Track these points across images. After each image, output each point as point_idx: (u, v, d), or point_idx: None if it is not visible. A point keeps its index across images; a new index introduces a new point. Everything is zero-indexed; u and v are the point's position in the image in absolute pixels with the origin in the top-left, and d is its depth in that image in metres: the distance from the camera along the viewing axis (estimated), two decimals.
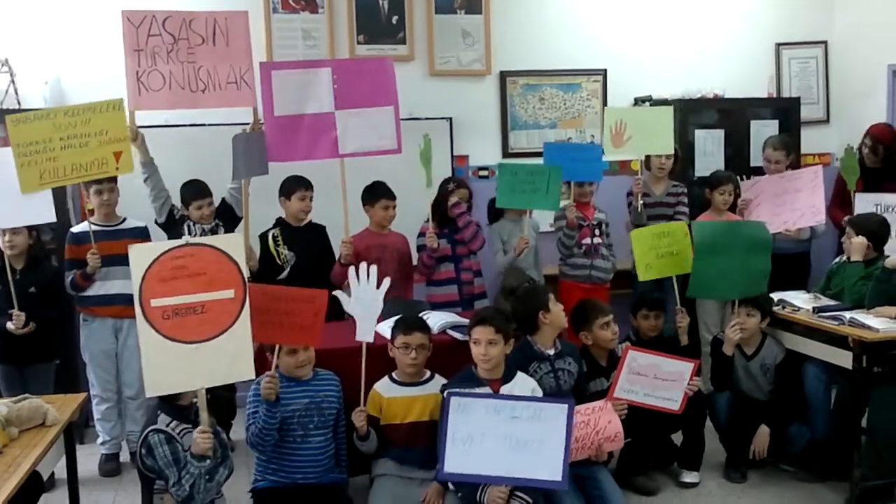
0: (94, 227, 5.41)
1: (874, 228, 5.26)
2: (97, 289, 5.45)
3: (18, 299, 5.20)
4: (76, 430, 4.86)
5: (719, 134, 7.28)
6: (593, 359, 5.04)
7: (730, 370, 5.20)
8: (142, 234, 5.52)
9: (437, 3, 7.03)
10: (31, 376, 5.40)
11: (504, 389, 4.29)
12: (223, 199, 5.81)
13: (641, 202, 6.10)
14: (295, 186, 5.69)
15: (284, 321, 4.06)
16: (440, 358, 4.62)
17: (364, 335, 4.40)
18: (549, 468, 3.75)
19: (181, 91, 5.46)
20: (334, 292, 4.59)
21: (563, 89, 7.39)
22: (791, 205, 6.02)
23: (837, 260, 5.55)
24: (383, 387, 4.53)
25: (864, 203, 5.93)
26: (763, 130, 7.20)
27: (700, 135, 7.21)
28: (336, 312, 5.40)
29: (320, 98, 5.47)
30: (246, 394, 4.37)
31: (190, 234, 5.54)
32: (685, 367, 4.69)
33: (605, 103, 7.38)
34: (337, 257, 5.63)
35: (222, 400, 5.15)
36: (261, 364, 4.09)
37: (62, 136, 5.03)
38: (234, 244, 3.85)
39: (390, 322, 4.58)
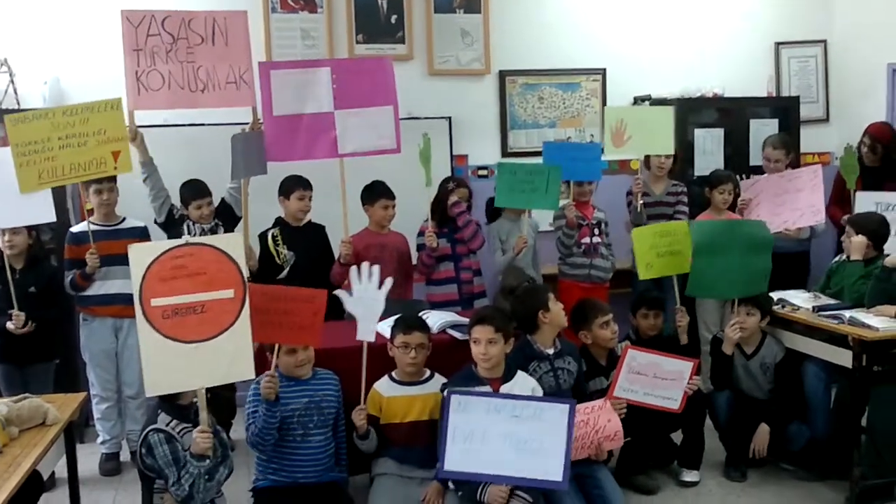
0: (93, 227, 5.41)
1: (874, 227, 5.25)
2: (97, 288, 5.45)
3: (18, 299, 5.20)
4: (76, 430, 4.85)
5: (719, 133, 7.28)
6: (593, 358, 5.04)
7: (729, 369, 5.20)
8: (141, 234, 5.52)
9: (436, 3, 7.03)
10: (31, 376, 5.40)
11: (504, 388, 4.29)
12: (222, 199, 5.81)
13: (641, 202, 6.11)
14: (294, 186, 5.70)
15: (284, 321, 4.06)
16: (440, 357, 4.62)
17: (365, 335, 4.39)
18: (549, 468, 3.76)
19: (180, 91, 5.46)
20: (335, 292, 4.58)
21: (563, 88, 7.39)
22: (791, 204, 6.02)
23: (837, 259, 5.55)
24: (383, 386, 4.53)
25: (865, 201, 5.92)
26: (763, 129, 7.20)
27: (699, 134, 7.20)
28: (336, 312, 5.42)
29: (319, 98, 5.47)
30: (246, 393, 4.37)
31: (189, 233, 5.54)
32: (685, 366, 4.69)
33: (604, 102, 7.38)
34: (336, 257, 5.63)
35: (222, 399, 5.16)
36: (260, 364, 4.09)
37: (61, 136, 5.03)
38: (234, 244, 3.86)
39: (390, 321, 4.58)
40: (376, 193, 5.70)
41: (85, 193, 5.48)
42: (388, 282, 4.46)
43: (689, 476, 5.16)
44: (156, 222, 5.70)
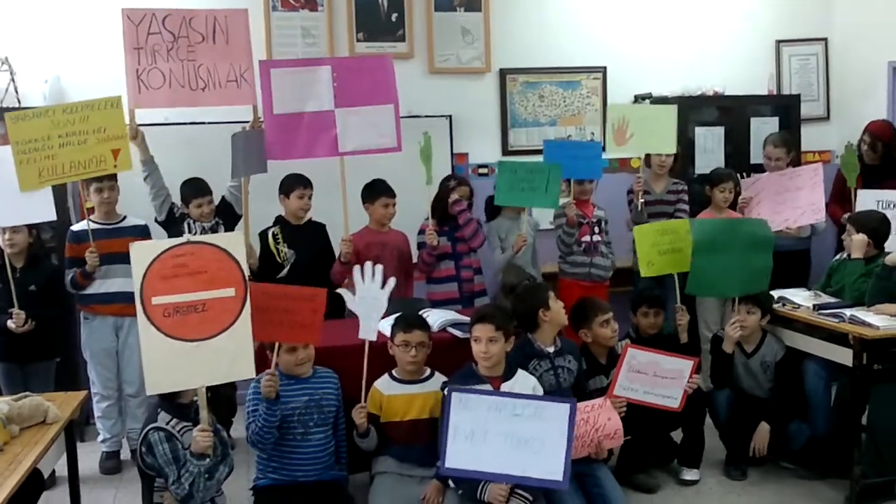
0: (93, 226, 5.41)
1: (874, 226, 5.25)
2: (98, 287, 5.45)
3: (18, 298, 5.20)
4: (77, 428, 4.85)
5: (719, 131, 7.27)
6: (593, 356, 5.04)
7: (730, 368, 5.20)
8: (142, 233, 5.52)
9: (437, 1, 7.03)
10: (32, 374, 5.41)
11: (505, 387, 4.29)
12: (223, 198, 5.82)
13: (642, 200, 6.10)
14: (294, 185, 5.70)
15: (284, 319, 4.06)
16: (440, 356, 4.62)
17: (367, 333, 4.39)
18: (550, 467, 3.75)
19: (181, 89, 5.46)
20: (338, 290, 4.59)
21: (563, 87, 7.39)
22: (792, 203, 6.02)
23: (838, 257, 5.55)
24: (383, 384, 4.53)
25: (866, 199, 5.91)
26: (763, 128, 7.20)
27: (700, 132, 7.20)
28: (336, 310, 5.42)
29: (320, 96, 5.47)
30: (246, 391, 4.37)
31: (190, 232, 5.56)
32: (685, 365, 4.69)
33: (605, 101, 7.38)
34: (337, 255, 5.63)
35: (222, 398, 5.14)
36: (261, 362, 4.09)
37: (61, 134, 5.03)
38: (235, 243, 3.86)
39: (390, 320, 4.58)
40: (377, 192, 5.70)
41: (85, 192, 5.48)
42: (392, 282, 4.46)
43: (690, 475, 5.17)
44: (156, 221, 5.70)
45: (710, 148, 7.23)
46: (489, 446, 3.80)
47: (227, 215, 5.79)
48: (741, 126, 7.30)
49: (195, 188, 5.67)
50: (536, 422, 3.79)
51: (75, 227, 5.56)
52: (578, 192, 6.09)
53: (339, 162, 5.53)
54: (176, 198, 5.73)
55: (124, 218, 5.61)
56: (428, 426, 4.44)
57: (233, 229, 5.73)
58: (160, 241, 4.00)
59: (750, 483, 5.16)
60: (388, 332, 4.55)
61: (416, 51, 7.04)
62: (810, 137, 7.61)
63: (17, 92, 6.16)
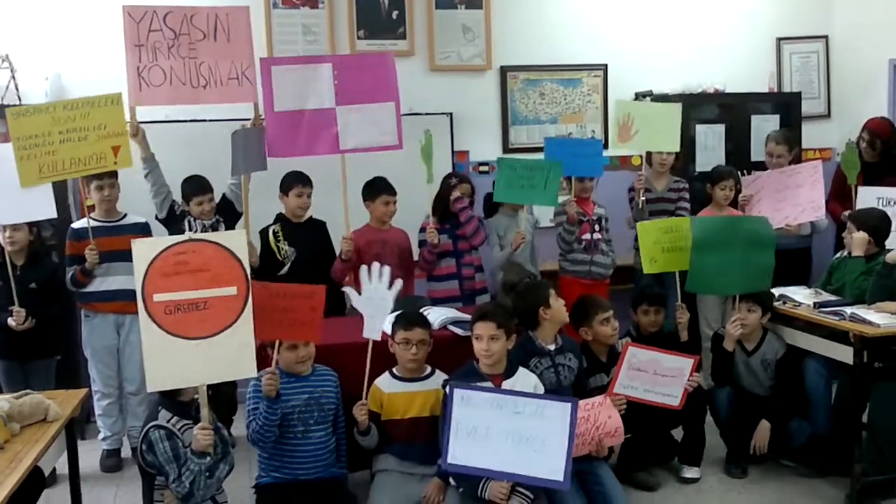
0: (95, 223, 5.41)
1: (875, 223, 5.25)
2: (98, 285, 5.45)
3: (19, 295, 5.19)
4: (77, 426, 4.86)
5: (720, 129, 7.26)
6: (593, 354, 5.03)
7: (730, 365, 5.20)
8: (143, 230, 5.52)
9: None
10: (33, 372, 5.39)
11: (506, 385, 4.29)
12: (224, 195, 5.81)
13: (643, 198, 6.10)
14: (293, 183, 5.70)
15: (284, 318, 4.08)
16: (441, 354, 4.63)
17: (371, 333, 4.40)
18: (551, 467, 3.75)
19: (182, 87, 5.45)
20: (343, 288, 4.59)
21: (564, 84, 7.38)
22: (792, 200, 6.02)
23: (839, 255, 5.55)
24: (384, 382, 4.53)
25: (867, 196, 5.92)
26: (764, 125, 7.20)
27: (701, 130, 7.19)
28: (336, 308, 5.43)
29: (321, 94, 5.46)
30: (247, 389, 4.37)
31: (190, 229, 5.57)
32: (685, 363, 4.69)
33: (605, 98, 7.39)
34: (338, 253, 5.63)
35: (223, 396, 5.12)
36: (261, 360, 4.08)
37: (61, 130, 5.01)
38: (238, 241, 3.85)
39: (391, 317, 4.58)
40: (377, 189, 5.70)
41: (86, 189, 5.49)
42: (398, 283, 4.47)
43: (690, 473, 5.17)
44: (157, 218, 5.70)
45: (710, 145, 7.22)
46: (490, 444, 3.80)
47: (228, 213, 5.79)
48: (742, 123, 7.29)
49: (196, 186, 5.66)
50: (537, 420, 3.78)
51: (76, 225, 5.56)
52: (579, 190, 6.08)
53: (340, 159, 5.52)
54: (177, 195, 5.72)
55: (125, 215, 5.61)
56: (429, 424, 4.45)
57: (233, 227, 5.73)
58: (162, 239, 3.99)
59: (750, 481, 5.16)
60: (388, 330, 4.55)
61: (417, 48, 7.04)
62: (811, 135, 7.61)
63: (17, 89, 6.16)
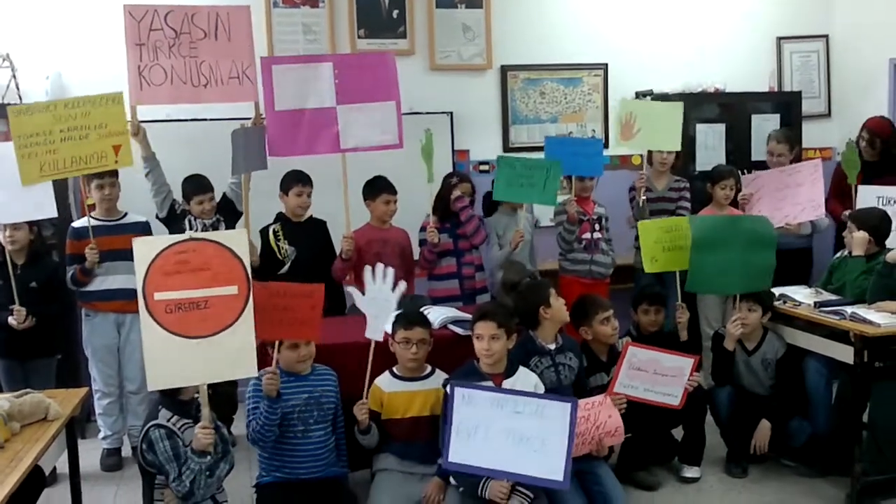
0: (95, 222, 5.41)
1: (875, 223, 5.25)
2: (99, 284, 5.45)
3: (19, 294, 5.19)
4: (78, 425, 4.86)
5: (720, 128, 7.27)
6: (593, 354, 5.03)
7: (731, 365, 5.20)
8: (143, 229, 5.52)
9: None
10: (33, 371, 5.39)
11: (506, 384, 4.29)
12: (224, 194, 5.81)
13: (644, 197, 6.09)
14: (292, 182, 5.71)
15: (283, 317, 4.08)
16: (441, 353, 4.63)
17: (374, 333, 4.41)
18: (550, 466, 3.74)
19: (183, 86, 5.45)
20: (348, 288, 4.59)
21: (564, 84, 7.39)
22: (792, 199, 6.03)
23: (839, 255, 5.55)
24: (384, 382, 4.53)
25: (866, 195, 5.92)
26: (764, 125, 7.21)
27: (701, 129, 7.20)
28: (336, 307, 5.44)
29: (321, 93, 5.46)
30: (247, 388, 4.37)
31: (191, 228, 5.57)
32: (685, 363, 4.69)
33: (606, 98, 7.40)
34: (338, 252, 5.63)
35: (223, 395, 5.13)
36: (261, 359, 4.08)
37: (62, 129, 5.01)
38: (239, 240, 3.85)
39: (391, 317, 4.58)
40: (378, 188, 5.70)
41: (86, 188, 5.49)
42: (402, 285, 4.48)
43: (690, 472, 5.16)
44: (157, 217, 5.70)
45: (711, 145, 7.22)
46: (491, 443, 3.80)
47: (228, 212, 5.79)
48: (742, 123, 7.30)
49: (196, 185, 5.66)
50: (537, 420, 3.78)
51: (76, 224, 5.56)
52: (579, 189, 6.08)
53: (341, 159, 5.52)
54: (177, 194, 5.72)
55: (125, 214, 5.61)
56: (429, 423, 4.45)
57: (234, 226, 5.73)
58: (163, 237, 4.00)
59: (751, 481, 5.16)
60: (388, 329, 4.55)
61: (418, 47, 7.05)
62: (811, 134, 7.61)
63: (18, 88, 6.17)
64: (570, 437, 3.76)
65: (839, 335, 4.78)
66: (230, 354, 3.75)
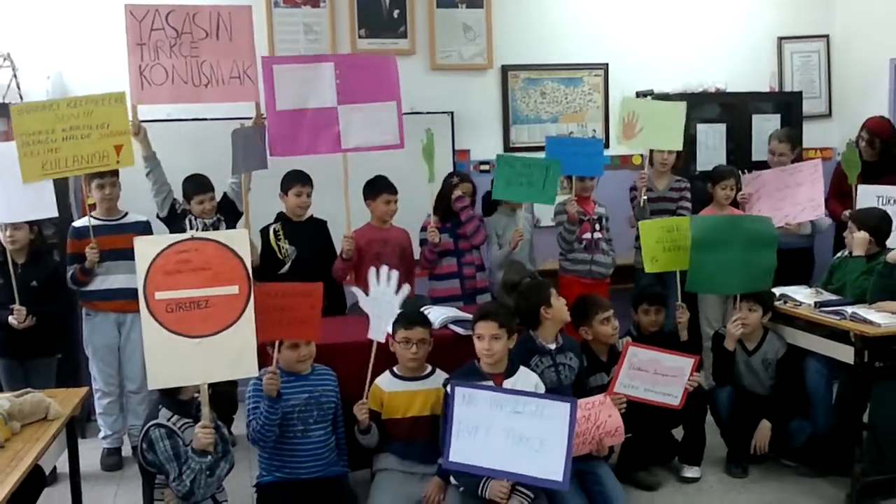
0: (96, 222, 5.42)
1: (876, 223, 5.25)
2: (100, 283, 5.45)
3: (20, 294, 5.19)
4: (78, 425, 4.86)
5: (721, 128, 7.26)
6: (593, 353, 5.03)
7: (731, 365, 5.20)
8: (144, 229, 5.51)
9: None
10: (33, 370, 5.39)
11: (507, 384, 4.29)
12: (224, 194, 5.81)
13: (645, 197, 6.09)
14: (292, 182, 5.71)
15: (283, 317, 4.08)
16: (441, 353, 4.63)
17: (376, 334, 4.41)
18: (550, 467, 3.74)
19: (184, 85, 5.46)
20: (352, 288, 4.60)
21: (565, 83, 7.39)
22: (791, 199, 6.04)
23: (839, 255, 5.55)
24: (385, 381, 4.53)
25: (866, 195, 5.92)
26: (765, 125, 7.21)
27: (702, 129, 7.19)
28: (337, 308, 5.44)
29: (323, 93, 5.46)
30: (247, 388, 4.37)
31: (191, 228, 5.57)
32: (685, 363, 4.69)
33: (606, 98, 7.40)
34: (338, 252, 5.63)
35: (223, 394, 5.14)
36: (261, 359, 4.08)
37: (64, 128, 5.02)
38: (240, 240, 3.86)
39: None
40: (378, 188, 5.69)
41: (87, 188, 5.49)
42: (406, 288, 4.49)
43: (690, 472, 5.16)
44: (158, 217, 5.70)
45: (711, 145, 7.22)
46: (491, 443, 3.80)
47: (229, 212, 5.79)
48: (743, 123, 7.29)
49: (197, 184, 5.67)
50: (537, 419, 3.78)
51: (77, 224, 5.57)
52: (580, 189, 6.08)
53: (342, 159, 5.52)
54: (178, 194, 5.72)
55: (126, 214, 5.61)
56: (429, 423, 4.45)
57: (234, 226, 5.74)
58: (164, 237, 4.01)
59: (751, 480, 5.16)
60: (389, 329, 4.55)
61: (418, 47, 7.05)
62: (812, 134, 7.61)
63: (19, 88, 6.17)
64: (570, 437, 3.75)
65: (839, 335, 4.78)
66: (231, 354, 3.75)
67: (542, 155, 5.95)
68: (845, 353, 4.73)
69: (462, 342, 4.62)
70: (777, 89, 7.70)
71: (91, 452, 5.55)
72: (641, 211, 6.05)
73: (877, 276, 4.94)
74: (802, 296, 5.26)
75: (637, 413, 4.67)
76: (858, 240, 5.19)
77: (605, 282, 6.14)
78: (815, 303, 5.05)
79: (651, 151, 6.29)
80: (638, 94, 7.28)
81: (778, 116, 7.36)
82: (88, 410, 5.98)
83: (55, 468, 4.63)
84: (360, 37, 6.89)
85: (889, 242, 5.23)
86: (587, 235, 6.03)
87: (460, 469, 3.96)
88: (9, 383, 5.32)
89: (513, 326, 4.39)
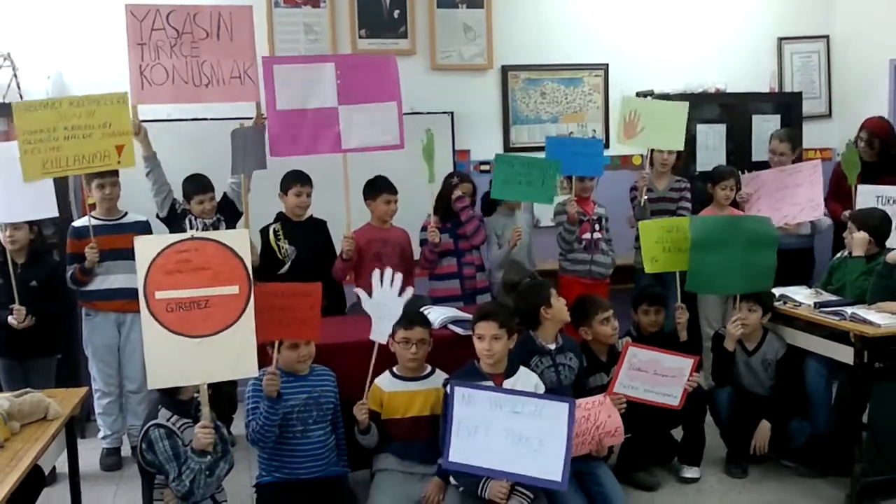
0: (96, 222, 5.42)
1: (876, 223, 5.25)
2: (100, 283, 5.45)
3: (19, 293, 5.19)
4: (77, 425, 4.86)
5: (721, 128, 7.27)
6: (593, 354, 5.03)
7: (731, 365, 5.20)
8: (144, 229, 5.51)
9: None
10: (33, 370, 5.39)
11: (507, 384, 4.29)
12: (224, 194, 5.82)
13: (645, 197, 6.09)
14: (291, 182, 5.71)
15: (283, 317, 4.08)
16: (441, 353, 4.63)
17: (378, 336, 4.40)
18: (549, 467, 3.74)
19: (184, 85, 5.47)
20: (355, 289, 4.60)
21: (565, 84, 7.39)
22: (791, 199, 6.05)
23: (839, 255, 5.55)
24: (384, 381, 4.53)
25: (866, 195, 5.93)
26: (765, 125, 7.22)
27: (702, 129, 7.19)
28: (337, 308, 5.44)
29: (323, 93, 5.46)
30: (246, 389, 4.36)
31: (191, 228, 5.57)
32: (685, 363, 4.69)
33: (606, 98, 7.40)
34: (338, 252, 5.63)
35: (223, 394, 5.14)
36: (261, 359, 4.08)
37: (66, 126, 5.02)
38: (240, 240, 3.86)
39: None
40: (378, 188, 5.69)
41: (87, 188, 5.50)
42: (409, 291, 4.48)
43: (690, 472, 5.16)
44: (158, 217, 5.70)
45: (711, 145, 7.22)
46: (490, 443, 3.80)
47: (229, 212, 5.79)
48: (743, 123, 7.30)
49: (197, 184, 5.67)
50: (536, 419, 3.78)
51: (76, 224, 5.57)
52: (580, 189, 6.08)
53: (342, 159, 5.52)
54: (178, 194, 5.72)
55: (126, 214, 5.61)
56: (429, 423, 4.45)
57: (234, 226, 5.74)
58: (164, 236, 4.02)
59: (750, 481, 5.16)
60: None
61: (419, 47, 7.05)
62: (812, 135, 7.61)
63: (19, 88, 6.15)
64: (569, 437, 3.76)
65: (839, 336, 4.78)
66: (231, 354, 3.75)
67: (542, 155, 5.95)
68: (845, 354, 4.73)
69: (462, 342, 4.62)
70: (777, 90, 7.70)
71: (90, 452, 5.55)
72: (642, 211, 6.05)
73: (876, 277, 4.94)
74: (802, 296, 5.26)
75: (637, 413, 4.67)
76: (858, 240, 5.19)
77: (604, 282, 6.14)
78: (815, 303, 5.05)
79: (651, 151, 6.28)
80: (638, 95, 7.26)
81: (778, 117, 7.36)
82: (88, 410, 5.98)
83: (54, 468, 4.63)
84: (360, 37, 6.89)
85: (889, 243, 5.23)
86: (587, 236, 6.03)
87: (460, 469, 3.96)
88: (8, 383, 5.32)
89: (513, 326, 4.39)
